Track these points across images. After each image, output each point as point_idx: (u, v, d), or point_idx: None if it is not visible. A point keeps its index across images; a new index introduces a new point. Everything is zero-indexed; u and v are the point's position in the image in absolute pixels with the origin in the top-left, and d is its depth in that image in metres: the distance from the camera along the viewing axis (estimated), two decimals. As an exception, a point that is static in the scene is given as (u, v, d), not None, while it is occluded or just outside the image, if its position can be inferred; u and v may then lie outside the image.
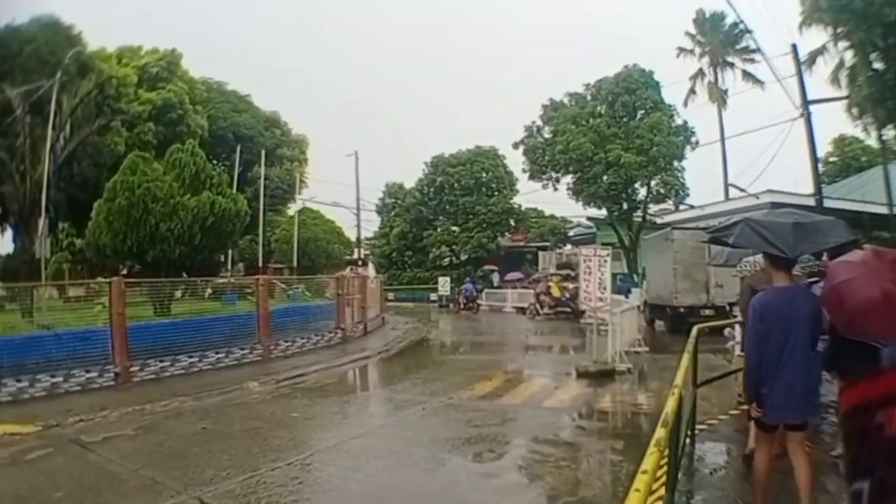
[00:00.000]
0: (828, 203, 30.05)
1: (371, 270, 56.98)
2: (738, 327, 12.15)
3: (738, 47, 53.21)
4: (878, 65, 26.31)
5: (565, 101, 46.86)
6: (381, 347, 23.03)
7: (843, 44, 29.98)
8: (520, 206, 59.01)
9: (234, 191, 32.89)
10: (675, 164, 43.16)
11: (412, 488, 8.17)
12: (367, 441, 10.18)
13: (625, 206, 44.65)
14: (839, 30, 28.14)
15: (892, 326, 3.81)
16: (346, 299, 25.37)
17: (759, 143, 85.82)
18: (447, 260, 58.59)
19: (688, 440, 8.01)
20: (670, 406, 4.45)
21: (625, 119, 43.95)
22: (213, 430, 11.08)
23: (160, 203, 25.00)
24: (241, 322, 19.87)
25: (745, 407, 6.81)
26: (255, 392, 14.72)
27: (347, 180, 69.78)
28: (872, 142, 40.21)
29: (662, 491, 5.39)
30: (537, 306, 36.56)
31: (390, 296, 49.47)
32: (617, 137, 42.75)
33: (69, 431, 10.87)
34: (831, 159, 56.10)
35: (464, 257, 57.41)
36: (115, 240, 24.80)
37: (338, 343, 23.22)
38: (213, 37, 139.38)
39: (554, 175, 46.09)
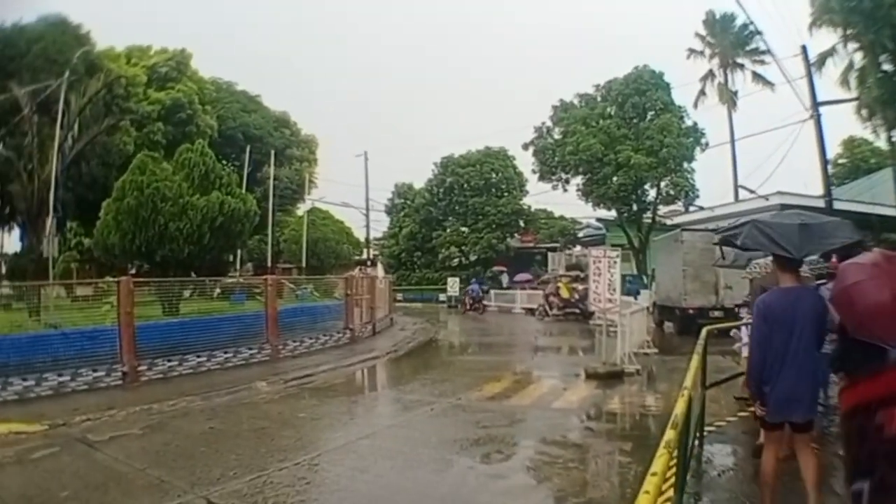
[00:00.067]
0: (837, 205, 30.02)
1: (380, 271, 56.97)
2: (744, 329, 12.12)
3: (748, 49, 53.14)
4: (887, 66, 26.25)
5: (575, 101, 46.82)
6: (389, 348, 23.00)
7: (852, 45, 29.93)
8: (529, 207, 59.07)
9: (244, 191, 32.86)
10: (685, 165, 43.09)
11: (420, 489, 8.14)
12: (375, 441, 10.16)
13: (634, 207, 44.59)
14: (849, 31, 28.08)
15: None
16: (355, 299, 25.32)
17: (769, 145, 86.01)
18: (456, 261, 58.51)
19: (696, 442, 7.97)
20: (680, 408, 4.43)
21: (635, 120, 43.88)
22: (221, 429, 11.07)
23: (169, 203, 24.98)
24: (250, 322, 19.86)
25: (752, 409, 6.80)
26: (263, 392, 14.72)
27: (357, 180, 69.66)
28: (882, 144, 40.05)
29: (671, 493, 5.35)
30: (546, 307, 36.51)
31: (399, 296, 49.40)
32: (627, 138, 42.70)
33: (76, 430, 10.87)
34: (840, 161, 55.96)
35: (473, 258, 57.37)
36: (124, 239, 24.79)
37: (346, 343, 23.18)
38: (223, 37, 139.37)
39: (564, 176, 46.06)
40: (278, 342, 19.81)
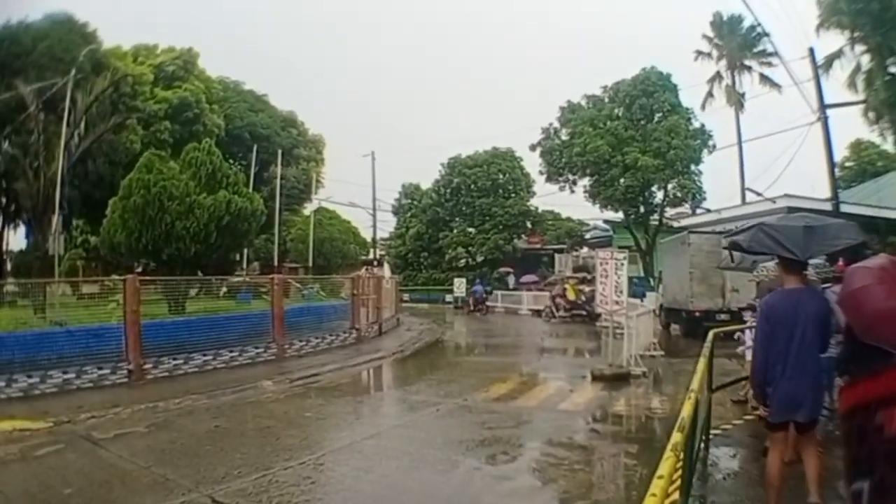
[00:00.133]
0: (844, 208, 29.93)
1: (386, 271, 56.85)
2: (748, 332, 12.14)
3: (755, 51, 53.03)
4: (894, 69, 26.22)
5: (582, 103, 46.84)
6: (395, 348, 23.00)
7: (859, 48, 29.94)
8: (536, 208, 59.27)
9: (251, 190, 32.94)
10: (692, 167, 43.05)
11: (425, 490, 8.13)
12: (380, 442, 10.16)
13: (641, 209, 44.53)
14: (856, 34, 28.07)
15: None
16: (362, 299, 25.34)
17: (776, 148, 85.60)
18: (463, 261, 58.47)
19: (702, 445, 7.95)
20: (686, 410, 4.43)
21: (642, 122, 43.87)
22: (226, 428, 11.08)
23: (176, 201, 24.99)
24: (256, 321, 19.88)
25: (757, 411, 6.82)
26: (269, 391, 14.72)
27: (363, 180, 69.97)
28: (889, 147, 40.07)
29: (677, 495, 5.34)
30: (553, 309, 36.52)
31: (406, 296, 49.51)
32: (634, 140, 42.69)
33: (80, 428, 10.87)
34: (847, 164, 55.91)
35: (480, 259, 57.38)
36: (130, 237, 24.81)
37: (352, 343, 23.18)
38: (226, 37, 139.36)
39: (571, 177, 46.09)
40: (284, 341, 19.81)
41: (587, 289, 33.86)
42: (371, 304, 26.79)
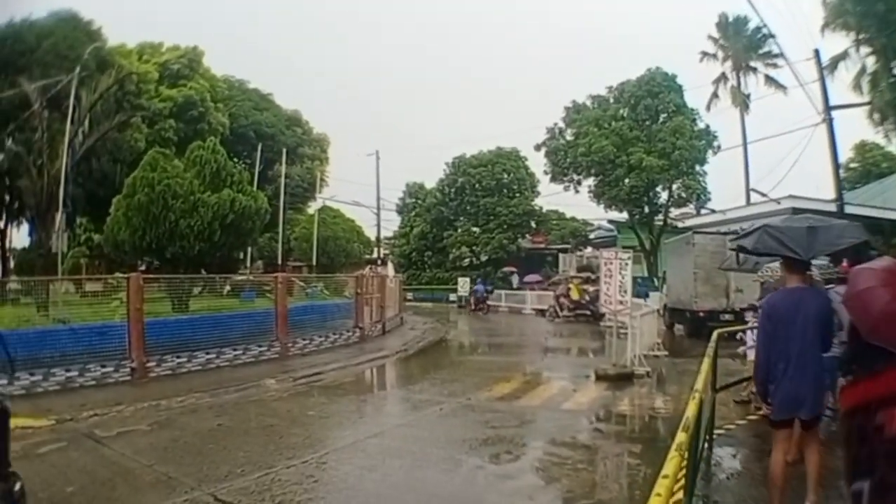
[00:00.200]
0: (849, 209, 29.91)
1: (390, 270, 56.80)
2: (749, 332, 12.16)
3: (760, 52, 53.01)
4: (900, 71, 26.20)
5: (587, 103, 46.93)
6: (399, 347, 22.98)
7: (865, 49, 29.92)
8: (541, 207, 59.33)
9: (255, 188, 32.92)
10: (697, 168, 43.15)
11: (428, 489, 8.11)
12: (383, 440, 10.14)
13: (646, 209, 44.60)
14: (861, 35, 28.04)
15: None
16: (365, 298, 25.31)
17: (781, 149, 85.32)
18: (467, 261, 58.53)
19: (706, 445, 7.94)
20: (691, 410, 4.42)
21: (647, 122, 43.92)
22: (229, 426, 11.06)
23: (180, 200, 25.04)
24: (259, 319, 19.88)
25: (761, 411, 6.84)
26: (272, 389, 14.71)
27: (368, 179, 69.67)
28: (893, 148, 40.14)
29: (681, 495, 5.32)
30: (557, 308, 36.47)
31: (409, 296, 49.46)
32: (639, 140, 42.74)
33: (83, 426, 10.87)
34: (852, 165, 55.87)
35: (484, 258, 57.39)
36: (134, 236, 24.85)
37: (356, 342, 23.17)
38: (233, 36, 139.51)
39: (575, 177, 46.20)
40: (288, 340, 19.83)
41: (591, 288, 33.89)
42: (375, 303, 26.77)
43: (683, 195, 43.78)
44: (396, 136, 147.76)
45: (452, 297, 52.34)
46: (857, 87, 32.20)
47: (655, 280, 37.30)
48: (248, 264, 52.12)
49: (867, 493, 3.49)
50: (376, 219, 66.46)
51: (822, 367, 6.06)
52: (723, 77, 54.42)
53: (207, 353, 17.08)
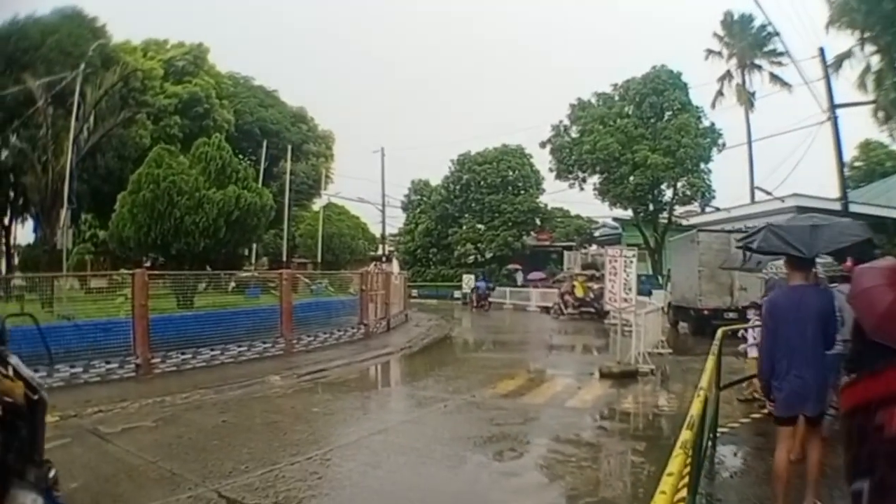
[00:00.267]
0: (853, 208, 29.84)
1: (395, 267, 57.00)
2: (750, 330, 12.18)
3: (765, 50, 52.85)
4: (904, 69, 26.16)
5: (593, 100, 46.94)
6: (403, 344, 22.99)
7: (869, 48, 29.87)
8: (546, 205, 59.33)
9: (260, 185, 32.97)
10: (702, 165, 43.22)
11: (433, 486, 8.14)
12: (387, 437, 10.15)
13: (651, 207, 44.64)
14: (866, 34, 27.99)
15: None
16: (370, 295, 25.33)
17: (786, 147, 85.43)
18: (472, 258, 58.54)
19: (709, 443, 7.94)
20: (695, 408, 4.42)
21: (652, 120, 43.96)
22: (234, 423, 11.07)
23: (185, 196, 25.03)
24: (264, 316, 19.91)
25: (765, 409, 6.87)
26: (277, 386, 14.71)
27: (373, 176, 69.77)
28: (898, 147, 40.03)
29: (684, 493, 5.33)
30: (561, 306, 36.44)
31: (414, 292, 49.58)
32: (644, 138, 42.79)
33: (87, 422, 10.87)
34: (856, 164, 55.67)
35: (489, 255, 57.42)
36: (139, 232, 24.86)
37: (360, 339, 23.17)
38: (241, 32, 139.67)
39: (580, 175, 46.29)
40: (292, 336, 19.84)
41: (596, 286, 33.80)
42: (379, 300, 26.78)
43: (688, 193, 43.83)
44: (405, 133, 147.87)
45: (457, 294, 52.29)
46: (861, 85, 32.14)
47: (660, 278, 37.26)
48: (253, 261, 52.07)
49: (867, 493, 3.48)
50: (381, 216, 66.60)
51: (826, 364, 6.10)
52: (728, 75, 54.27)
53: (212, 350, 17.09)
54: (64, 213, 29.94)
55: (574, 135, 46.40)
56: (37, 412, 3.90)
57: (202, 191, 25.60)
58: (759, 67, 53.39)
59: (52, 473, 3.89)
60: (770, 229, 6.89)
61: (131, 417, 11.28)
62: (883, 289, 3.81)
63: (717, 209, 43.92)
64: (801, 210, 26.40)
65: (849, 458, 3.80)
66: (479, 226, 58.44)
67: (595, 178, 45.53)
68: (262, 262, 58.14)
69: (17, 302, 18.27)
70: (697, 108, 44.89)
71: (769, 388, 6.32)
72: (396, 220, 70.23)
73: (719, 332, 9.16)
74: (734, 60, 54.02)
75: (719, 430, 9.17)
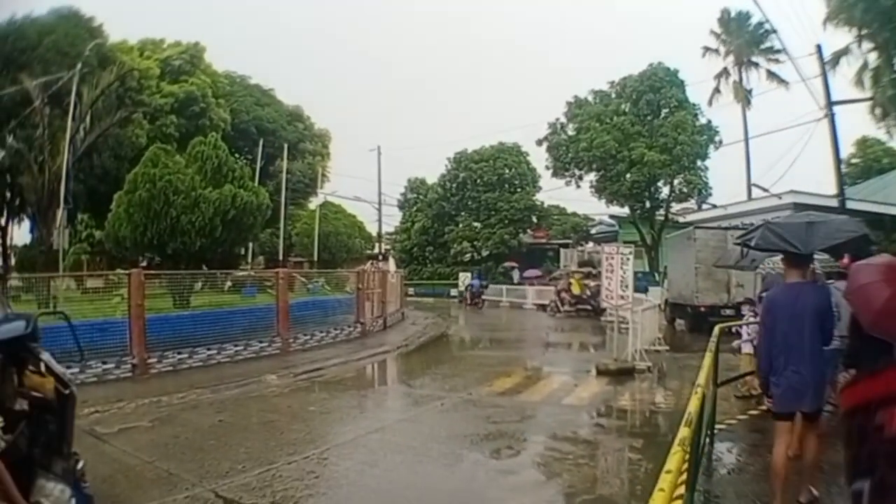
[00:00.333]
0: (850, 204, 29.89)
1: (392, 265, 57.01)
2: (744, 326, 12.21)
3: (762, 47, 52.86)
4: (902, 66, 26.19)
5: (589, 98, 46.95)
6: (400, 342, 22.98)
7: (867, 45, 29.89)
8: (542, 203, 59.38)
9: (256, 184, 32.91)
10: (699, 163, 43.28)
11: (429, 484, 8.14)
12: (384, 436, 10.15)
13: (647, 204, 44.70)
14: (863, 31, 28.01)
15: None
16: (367, 294, 25.31)
17: (783, 144, 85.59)
18: (468, 256, 58.46)
19: (707, 440, 7.94)
20: (693, 405, 4.42)
21: (649, 117, 43.97)
22: (230, 422, 11.07)
23: (181, 195, 25.02)
24: (261, 315, 19.89)
25: (761, 406, 6.90)
26: (273, 385, 14.71)
27: (369, 175, 69.64)
28: (895, 144, 40.03)
29: (683, 490, 5.32)
30: (558, 303, 36.45)
31: (410, 291, 49.48)
32: (641, 136, 42.79)
33: (84, 422, 10.74)
34: (853, 161, 55.69)
35: (485, 253, 57.44)
36: (136, 232, 24.86)
37: (357, 337, 23.16)
38: (237, 32, 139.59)
39: (577, 172, 46.29)
40: (289, 335, 19.81)
41: (592, 283, 33.82)
42: (376, 299, 26.78)
43: (685, 190, 43.93)
44: (399, 132, 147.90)
45: (454, 292, 52.28)
46: (858, 82, 32.16)
47: (656, 275, 37.24)
48: (250, 260, 52.01)
49: (867, 493, 3.49)
50: (378, 214, 66.64)
51: (823, 360, 6.15)
52: (725, 72, 54.25)
53: (209, 349, 17.06)
54: (60, 214, 29.88)
55: (571, 132, 46.40)
56: (67, 407, 4.11)
57: (198, 190, 25.59)
58: (756, 65, 53.41)
59: (79, 465, 3.98)
60: (767, 226, 6.95)
61: (128, 417, 11.27)
62: (879, 285, 3.83)
63: (714, 206, 43.91)
64: (798, 207, 26.48)
65: (849, 458, 3.81)
66: (476, 224, 58.43)
67: (592, 176, 45.53)
68: (259, 261, 58.10)
69: (13, 303, 18.20)
70: (694, 105, 44.97)
71: (768, 384, 6.34)
72: (393, 219, 70.38)
73: (716, 329, 9.14)
74: (731, 58, 54.02)
75: (717, 426, 9.17)
